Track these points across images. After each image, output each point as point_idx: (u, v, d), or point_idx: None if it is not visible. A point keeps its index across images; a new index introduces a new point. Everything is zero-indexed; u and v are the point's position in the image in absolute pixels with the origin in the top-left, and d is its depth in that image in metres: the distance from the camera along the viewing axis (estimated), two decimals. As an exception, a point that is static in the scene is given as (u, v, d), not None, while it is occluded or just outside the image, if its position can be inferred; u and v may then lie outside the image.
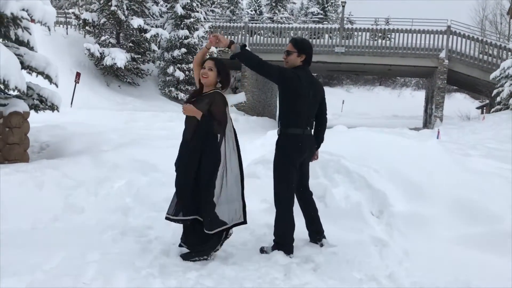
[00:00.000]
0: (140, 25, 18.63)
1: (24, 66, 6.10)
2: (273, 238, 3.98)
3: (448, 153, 6.16)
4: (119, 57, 17.99)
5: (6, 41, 6.23)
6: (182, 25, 20.59)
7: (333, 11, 44.62)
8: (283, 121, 3.88)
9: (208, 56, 3.83)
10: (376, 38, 23.04)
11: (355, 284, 3.33)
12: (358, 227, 4.43)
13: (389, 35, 23.22)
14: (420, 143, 6.32)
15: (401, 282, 3.36)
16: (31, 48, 6.59)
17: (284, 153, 3.87)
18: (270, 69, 3.79)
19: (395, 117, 34.48)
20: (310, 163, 4.22)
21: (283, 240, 3.88)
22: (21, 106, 5.95)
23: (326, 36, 23.42)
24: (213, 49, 21.27)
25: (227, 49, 3.75)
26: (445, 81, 21.22)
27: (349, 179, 4.99)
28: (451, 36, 21.01)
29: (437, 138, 12.14)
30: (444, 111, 21.25)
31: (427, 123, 23.18)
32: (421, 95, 35.96)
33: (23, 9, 5.48)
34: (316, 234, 4.14)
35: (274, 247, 3.89)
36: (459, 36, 21.03)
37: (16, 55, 5.74)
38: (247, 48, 3.81)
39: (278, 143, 3.93)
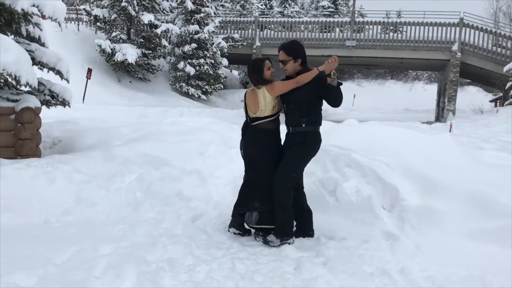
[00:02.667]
0: (150, 21, 18.68)
1: (35, 62, 6.13)
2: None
3: (460, 147, 6.08)
4: (130, 52, 18.07)
5: (17, 37, 6.27)
6: (192, 20, 20.60)
7: (344, 5, 44.32)
8: (313, 120, 3.92)
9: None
10: (387, 31, 22.87)
11: (367, 278, 3.30)
12: (369, 221, 4.39)
13: (400, 28, 23.01)
14: (432, 137, 6.24)
15: (413, 277, 3.32)
16: (42, 44, 6.62)
17: (313, 150, 3.98)
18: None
19: (407, 111, 34.18)
20: (320, 158, 4.24)
21: (283, 229, 3.92)
22: (33, 101, 5.98)
23: (337, 29, 23.29)
24: (223, 43, 21.25)
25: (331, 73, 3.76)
26: (458, 74, 21.00)
27: (360, 173, 4.94)
28: (463, 28, 20.76)
29: (450, 131, 12.01)
30: (456, 105, 21.04)
31: (440, 116, 22.97)
32: (433, 88, 35.61)
33: (34, 5, 5.51)
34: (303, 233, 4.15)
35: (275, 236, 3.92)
36: (472, 28, 20.76)
37: (27, 51, 5.77)
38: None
39: (309, 139, 3.93)
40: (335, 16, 35.59)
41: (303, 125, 3.90)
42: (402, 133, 6.05)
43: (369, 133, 5.95)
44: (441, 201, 4.63)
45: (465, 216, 4.44)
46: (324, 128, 4.39)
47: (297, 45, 3.96)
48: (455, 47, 20.69)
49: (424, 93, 41.62)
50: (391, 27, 23.28)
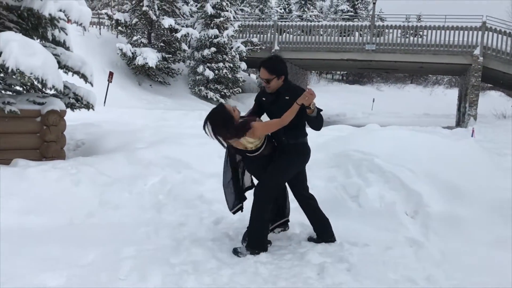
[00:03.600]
0: (171, 25, 18.84)
1: (60, 65, 6.24)
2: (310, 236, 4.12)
3: (484, 152, 5.99)
4: (150, 56, 18.24)
5: (43, 41, 6.39)
6: (212, 25, 20.71)
7: (364, 8, 44.08)
8: (293, 134, 3.83)
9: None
10: (407, 35, 22.64)
11: (391, 285, 3.27)
12: (392, 227, 4.35)
13: (421, 32, 22.76)
14: (455, 142, 6.17)
15: (440, 285, 3.27)
16: (67, 48, 6.75)
17: (298, 160, 3.90)
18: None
19: (426, 115, 33.75)
20: (342, 163, 4.18)
21: (255, 242, 3.84)
22: (58, 104, 6.09)
23: (356, 33, 23.16)
24: (242, 47, 21.33)
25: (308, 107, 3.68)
26: (480, 79, 20.67)
27: (383, 179, 4.90)
28: (486, 32, 20.44)
29: (472, 137, 11.84)
30: (478, 110, 20.70)
31: (460, 121, 22.63)
32: (454, 93, 35.10)
33: (61, 10, 5.61)
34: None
35: (246, 247, 3.84)
36: (495, 32, 20.43)
37: (53, 55, 5.87)
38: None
39: (293, 150, 3.86)
40: (354, 20, 35.40)
41: (284, 139, 3.84)
42: (424, 138, 5.99)
43: (391, 138, 5.90)
44: (466, 208, 4.57)
45: (490, 224, 4.37)
46: (344, 133, 4.38)
47: (279, 62, 3.81)
48: (477, 51, 20.39)
49: (445, 97, 41.07)
50: (411, 31, 23.04)
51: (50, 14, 5.45)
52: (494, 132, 14.80)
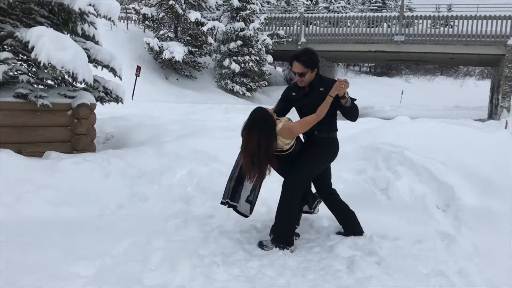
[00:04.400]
0: (197, 19, 18.91)
1: (90, 59, 6.34)
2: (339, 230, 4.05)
3: (519, 145, 5.81)
4: (177, 50, 18.36)
5: (73, 36, 6.50)
6: (238, 18, 20.70)
7: (392, -1, 43.27)
8: (324, 128, 3.80)
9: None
10: (437, 26, 22.12)
11: (422, 279, 3.21)
12: (423, 220, 4.28)
13: (451, 22, 22.20)
14: (488, 135, 6.00)
15: (472, 279, 3.20)
16: (96, 42, 6.85)
17: (327, 154, 3.88)
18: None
19: (457, 108, 33.00)
20: (371, 155, 4.12)
21: (283, 236, 3.78)
22: (88, 98, 6.20)
23: (385, 24, 22.78)
24: (268, 40, 21.26)
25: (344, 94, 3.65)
26: (514, 70, 20.06)
27: (414, 172, 4.81)
28: (520, 21, 19.79)
29: (505, 129, 11.51)
30: (511, 101, 20.10)
31: (493, 114, 22.05)
32: (485, 85, 34.20)
33: (90, 5, 5.69)
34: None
35: (272, 241, 3.81)
36: (530, 21, 19.76)
37: (83, 49, 5.97)
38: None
39: (323, 144, 3.83)
40: (383, 10, 34.84)
41: (315, 133, 3.81)
42: (456, 130, 5.85)
43: (421, 131, 5.79)
44: (499, 201, 4.45)
45: (524, 217, 4.24)
46: (373, 125, 4.33)
47: (313, 55, 3.77)
48: (510, 41, 19.76)
49: (476, 89, 40.06)
50: (442, 22, 22.50)
51: (80, 9, 5.53)
52: (528, 124, 14.34)
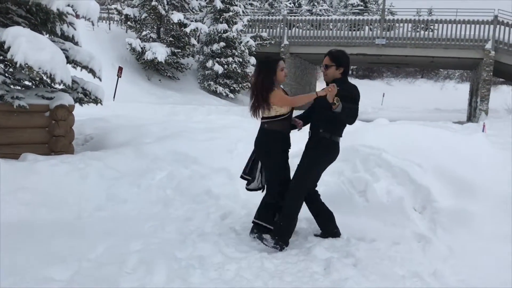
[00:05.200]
0: (180, 20, 18.83)
1: (69, 60, 6.27)
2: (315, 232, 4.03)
3: (494, 147, 5.93)
4: (159, 51, 18.26)
5: (52, 36, 6.42)
6: (221, 19, 20.68)
7: (374, 2, 43.74)
8: (330, 128, 3.89)
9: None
10: (418, 29, 22.42)
11: (398, 281, 3.25)
12: (400, 222, 4.33)
13: (432, 26, 22.53)
14: (465, 137, 6.10)
15: (446, 280, 3.25)
16: (76, 43, 6.77)
17: (326, 156, 3.94)
18: (356, 106, 3.85)
19: (437, 110, 33.49)
20: (350, 157, 4.20)
21: (284, 233, 3.87)
22: (67, 99, 6.12)
23: (366, 28, 22.99)
24: (251, 42, 21.29)
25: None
26: (491, 73, 20.45)
27: (391, 174, 4.87)
28: (498, 26, 20.17)
29: (483, 131, 11.72)
30: (489, 104, 20.49)
31: (472, 116, 22.42)
32: (465, 87, 34.77)
33: (69, 5, 5.62)
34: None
35: (273, 237, 3.87)
36: (507, 26, 20.15)
37: (62, 49, 5.90)
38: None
39: (322, 145, 3.91)
40: (365, 14, 35.16)
41: (321, 131, 3.89)
42: (434, 133, 5.93)
43: (400, 133, 5.85)
44: (474, 203, 4.53)
45: (499, 219, 4.33)
46: (353, 128, 4.35)
47: (344, 55, 3.95)
48: (488, 46, 20.14)
49: (456, 92, 40.71)
50: (422, 25, 22.81)
51: (58, 9, 5.46)
52: (505, 127, 14.62)
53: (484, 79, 20.29)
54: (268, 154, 4.00)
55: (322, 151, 3.91)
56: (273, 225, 3.97)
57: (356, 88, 3.90)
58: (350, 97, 3.76)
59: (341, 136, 3.98)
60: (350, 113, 3.75)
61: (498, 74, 24.88)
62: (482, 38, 20.43)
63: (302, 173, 3.89)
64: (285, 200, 3.89)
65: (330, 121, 3.83)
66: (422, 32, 22.19)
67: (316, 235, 4.12)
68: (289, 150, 4.09)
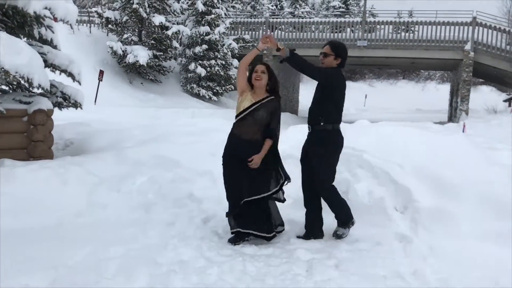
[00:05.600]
0: (161, 22, 18.73)
1: (47, 64, 6.18)
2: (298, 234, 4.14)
3: (474, 147, 6.00)
4: (141, 54, 18.13)
5: (30, 40, 6.32)
6: (203, 22, 20.63)
7: (355, 5, 44.09)
8: (331, 118, 4.04)
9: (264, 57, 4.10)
10: (399, 31, 22.66)
11: (379, 281, 3.27)
12: (381, 223, 4.35)
13: (412, 28, 22.79)
14: (445, 137, 6.17)
15: (426, 279, 3.28)
16: (55, 47, 6.68)
17: (336, 146, 4.11)
18: (315, 71, 4.02)
19: (419, 111, 33.91)
20: None
21: (346, 217, 4.11)
22: (45, 103, 6.03)
23: (348, 30, 23.17)
24: (234, 44, 21.29)
25: (275, 52, 3.89)
26: (471, 74, 20.74)
27: (372, 174, 4.90)
28: (476, 27, 20.50)
29: (463, 131, 11.88)
30: (469, 104, 20.79)
31: (452, 116, 22.73)
32: (446, 88, 35.25)
33: (46, 8, 5.55)
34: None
35: (342, 226, 4.11)
36: (485, 27, 20.49)
37: (40, 53, 5.81)
38: (295, 52, 3.91)
39: (327, 137, 4.05)
40: (346, 16, 35.40)
41: (322, 124, 4.03)
42: (414, 133, 5.99)
43: (381, 134, 5.90)
44: (454, 202, 4.57)
45: (478, 218, 4.37)
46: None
47: (343, 48, 4.15)
48: (468, 47, 20.44)
49: (437, 93, 41.25)
50: (403, 27, 23.06)
51: (35, 12, 5.39)
52: (485, 127, 14.86)
53: (464, 79, 20.58)
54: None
55: (331, 146, 4.07)
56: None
57: (341, 77, 4.09)
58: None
59: (340, 121, 4.13)
60: (301, 61, 3.89)
61: (478, 74, 25.28)
62: (462, 39, 20.73)
63: (322, 170, 4.05)
64: (325, 200, 4.15)
65: (330, 112, 4.01)
66: (403, 33, 22.43)
67: (298, 237, 4.12)
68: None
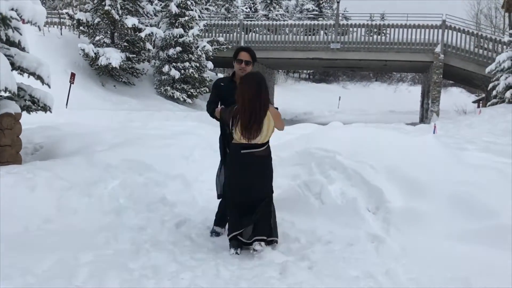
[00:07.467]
0: (134, 24, 18.54)
1: (15, 67, 6.01)
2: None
3: (444, 148, 6.11)
4: (113, 56, 17.90)
5: (-4, 42, 6.14)
6: (176, 24, 20.51)
7: (328, 8, 44.57)
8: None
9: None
10: (371, 34, 23.00)
11: (352, 282, 3.28)
12: (354, 223, 4.37)
13: (384, 31, 23.17)
14: (416, 138, 6.28)
15: (398, 279, 3.31)
16: (23, 49, 6.49)
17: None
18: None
19: (391, 112, 34.44)
20: (305, 161, 4.28)
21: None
22: (13, 107, 5.87)
23: (322, 32, 23.38)
24: (208, 47, 21.23)
25: None
26: (441, 76, 21.20)
27: (345, 176, 4.93)
28: (446, 30, 20.99)
29: (434, 132, 12.10)
30: (440, 106, 21.25)
31: (424, 118, 23.17)
32: (417, 90, 35.94)
33: (13, 9, 5.40)
34: None
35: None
36: (454, 30, 21.01)
37: (6, 55, 5.66)
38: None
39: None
40: (320, 19, 35.71)
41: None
42: (386, 135, 6.07)
43: (353, 136, 5.95)
44: (426, 202, 4.63)
45: (449, 217, 4.44)
46: (309, 131, 4.40)
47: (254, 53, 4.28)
48: (438, 49, 20.90)
49: (409, 94, 41.96)
50: (375, 30, 23.40)
51: (1, 13, 5.23)
52: (455, 128, 15.17)
53: (435, 81, 21.02)
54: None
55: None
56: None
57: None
58: None
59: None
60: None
61: (448, 76, 25.85)
62: (432, 42, 21.19)
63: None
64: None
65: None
66: (375, 36, 22.78)
67: None
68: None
